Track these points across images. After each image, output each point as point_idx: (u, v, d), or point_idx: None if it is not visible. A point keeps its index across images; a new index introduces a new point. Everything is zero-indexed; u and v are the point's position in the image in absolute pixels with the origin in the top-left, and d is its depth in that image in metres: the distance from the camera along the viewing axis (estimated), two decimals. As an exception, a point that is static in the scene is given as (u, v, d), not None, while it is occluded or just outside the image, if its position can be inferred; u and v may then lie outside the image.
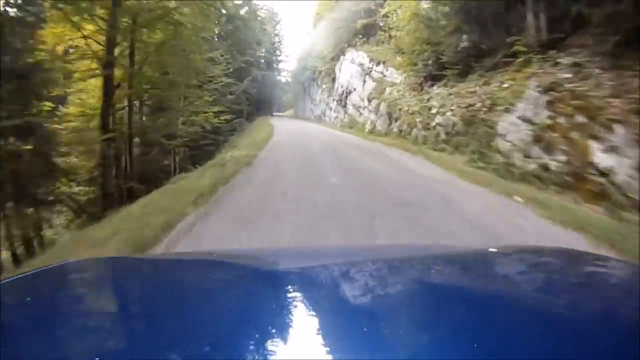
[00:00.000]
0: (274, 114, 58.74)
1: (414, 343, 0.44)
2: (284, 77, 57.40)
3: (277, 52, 53.91)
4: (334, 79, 23.84)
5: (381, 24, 18.70)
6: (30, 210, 10.10)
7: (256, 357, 0.40)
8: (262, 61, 53.68)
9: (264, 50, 47.42)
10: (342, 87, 21.21)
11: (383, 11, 18.08)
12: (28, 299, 0.61)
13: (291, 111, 56.83)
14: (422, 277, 0.76)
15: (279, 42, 53.56)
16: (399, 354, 0.41)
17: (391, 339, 0.44)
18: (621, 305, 0.57)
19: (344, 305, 0.57)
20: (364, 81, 18.48)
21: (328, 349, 0.42)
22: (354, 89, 19.47)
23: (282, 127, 21.84)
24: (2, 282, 0.64)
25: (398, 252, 1.11)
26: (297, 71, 42.14)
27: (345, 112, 20.42)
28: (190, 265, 0.88)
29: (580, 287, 0.68)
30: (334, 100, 23.11)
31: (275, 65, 55.16)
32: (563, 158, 4.92)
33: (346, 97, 20.61)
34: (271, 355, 0.41)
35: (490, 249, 0.96)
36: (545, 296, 0.62)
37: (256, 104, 50.77)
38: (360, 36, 20.51)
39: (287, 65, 58.33)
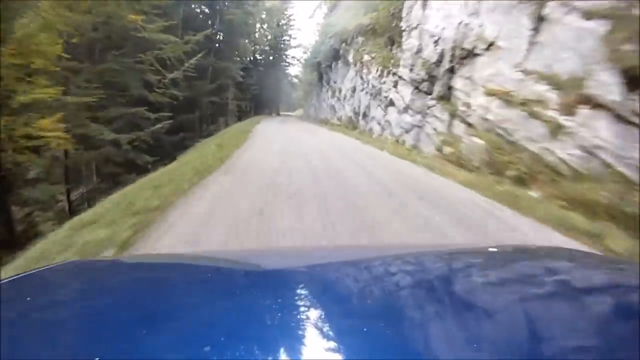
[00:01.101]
0: (281, 113, 46.10)
1: (413, 343, 0.44)
2: (294, 71, 44.28)
3: (285, 38, 40.87)
4: (394, 39, 10.40)
5: None
6: None
7: (255, 358, 0.40)
8: (267, 45, 41.04)
9: (264, 18, 34.55)
10: (436, 43, 7.52)
11: None
12: (28, 298, 0.60)
13: (301, 111, 43.36)
14: (422, 276, 0.75)
15: (288, 23, 40.41)
16: (399, 354, 0.40)
17: (391, 339, 0.43)
18: (621, 306, 0.56)
19: (343, 306, 0.56)
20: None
21: (328, 349, 0.41)
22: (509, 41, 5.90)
23: (255, 155, 7.88)
24: (1, 282, 0.63)
25: (397, 251, 1.06)
26: (311, 49, 28.30)
27: (452, 122, 6.62)
28: (190, 266, 0.86)
29: (580, 287, 0.67)
30: (398, 82, 9.46)
31: (283, 53, 42.14)
32: None
33: (451, 70, 7.02)
34: (270, 356, 0.41)
35: (491, 249, 0.95)
36: (545, 296, 0.60)
37: (254, 99, 37.86)
38: None
39: (298, 53, 45.34)
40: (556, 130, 4.42)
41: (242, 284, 0.69)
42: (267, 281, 0.69)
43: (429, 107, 7.56)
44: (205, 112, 19.90)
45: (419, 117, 7.93)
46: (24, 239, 5.39)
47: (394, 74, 9.67)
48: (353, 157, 7.38)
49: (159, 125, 10.81)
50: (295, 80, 45.15)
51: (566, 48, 4.43)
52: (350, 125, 14.17)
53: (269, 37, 39.81)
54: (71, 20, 6.57)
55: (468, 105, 6.30)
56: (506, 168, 4.95)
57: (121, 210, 3.71)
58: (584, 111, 4.10)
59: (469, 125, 6.20)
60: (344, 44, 16.07)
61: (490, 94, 5.76)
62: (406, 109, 8.56)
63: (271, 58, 39.91)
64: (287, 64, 42.86)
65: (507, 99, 5.34)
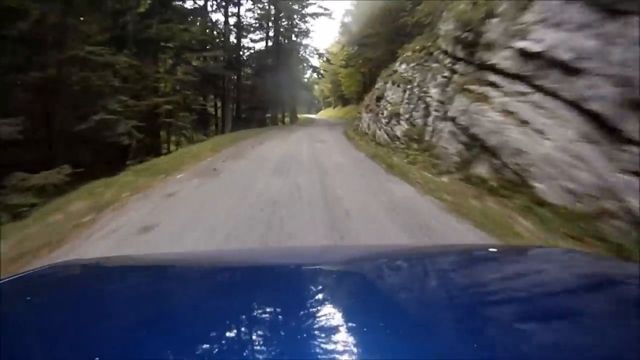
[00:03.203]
0: (300, 116, 27.38)
1: (414, 343, 0.42)
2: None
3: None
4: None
5: None
6: None
7: (255, 357, 0.39)
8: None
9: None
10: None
11: None
12: (28, 298, 0.60)
13: (328, 112, 24.70)
14: (422, 276, 0.73)
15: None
16: (399, 353, 0.39)
17: (391, 339, 0.42)
18: (621, 305, 0.55)
19: (343, 305, 0.55)
20: None
21: (328, 348, 0.41)
22: None
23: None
24: (1, 282, 0.62)
25: (398, 252, 1.04)
26: None
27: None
28: (188, 266, 0.83)
29: (580, 287, 0.65)
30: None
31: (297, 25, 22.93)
32: None
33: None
34: (270, 355, 0.40)
35: (490, 249, 0.94)
36: (545, 296, 0.60)
37: (243, 99, 18.01)
38: None
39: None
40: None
41: (240, 283, 0.67)
42: (265, 280, 0.68)
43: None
44: None
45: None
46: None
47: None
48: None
49: None
50: (318, 65, 25.97)
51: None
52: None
53: None
54: None
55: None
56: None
57: None
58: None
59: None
60: None
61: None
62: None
63: (272, 33, 21.25)
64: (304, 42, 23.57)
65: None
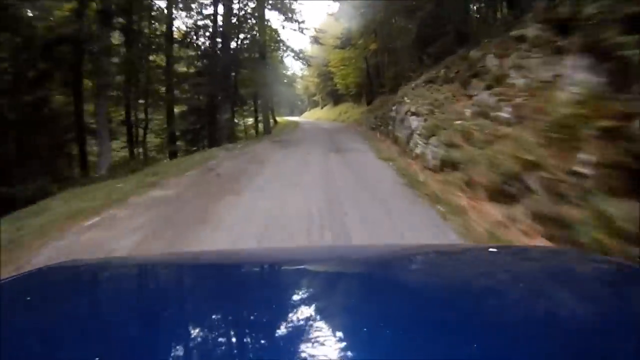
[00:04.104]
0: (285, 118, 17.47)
1: (413, 343, 0.42)
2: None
3: None
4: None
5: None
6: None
7: (254, 357, 0.39)
8: None
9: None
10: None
11: None
12: (28, 298, 0.59)
13: (315, 113, 23.50)
14: (422, 276, 0.74)
15: None
16: (399, 354, 0.39)
17: (391, 339, 0.42)
18: (621, 306, 0.55)
19: (343, 305, 0.55)
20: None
21: (328, 348, 0.40)
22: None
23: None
24: (2, 282, 0.62)
25: (397, 251, 1.04)
26: None
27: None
28: (189, 266, 0.83)
29: (580, 287, 0.64)
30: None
31: None
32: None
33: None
34: (270, 355, 0.40)
35: (491, 249, 0.94)
36: (545, 296, 0.59)
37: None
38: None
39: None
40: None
41: (239, 283, 0.66)
42: (264, 281, 0.68)
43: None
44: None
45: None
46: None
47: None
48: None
49: None
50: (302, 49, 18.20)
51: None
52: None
53: None
54: None
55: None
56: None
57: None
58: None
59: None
60: None
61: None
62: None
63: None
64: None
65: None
